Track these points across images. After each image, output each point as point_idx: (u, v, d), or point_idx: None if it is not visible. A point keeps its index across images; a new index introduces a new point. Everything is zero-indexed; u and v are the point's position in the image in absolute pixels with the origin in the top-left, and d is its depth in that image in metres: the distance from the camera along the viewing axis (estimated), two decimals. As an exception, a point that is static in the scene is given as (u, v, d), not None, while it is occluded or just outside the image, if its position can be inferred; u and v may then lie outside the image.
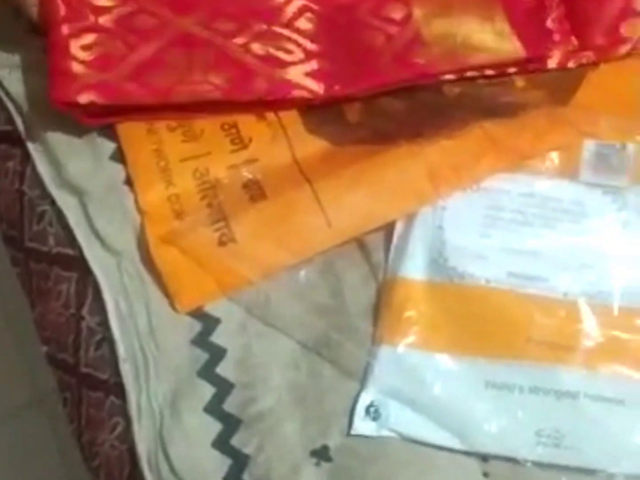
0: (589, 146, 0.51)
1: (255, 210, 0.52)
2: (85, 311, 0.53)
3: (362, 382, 0.48)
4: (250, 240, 0.51)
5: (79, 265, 0.53)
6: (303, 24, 0.56)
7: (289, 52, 0.56)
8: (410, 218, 0.51)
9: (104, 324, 0.51)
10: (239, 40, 0.55)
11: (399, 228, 0.51)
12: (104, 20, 0.55)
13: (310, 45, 0.56)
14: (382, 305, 0.50)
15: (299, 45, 0.56)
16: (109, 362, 0.51)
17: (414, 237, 0.51)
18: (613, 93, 0.54)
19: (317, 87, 0.54)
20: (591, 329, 0.47)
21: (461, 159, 0.51)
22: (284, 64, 0.55)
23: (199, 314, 0.51)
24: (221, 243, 0.51)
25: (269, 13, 0.56)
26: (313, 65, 0.55)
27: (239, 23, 0.56)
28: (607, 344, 0.47)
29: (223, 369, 0.49)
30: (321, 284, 0.51)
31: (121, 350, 0.50)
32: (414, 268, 0.50)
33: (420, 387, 0.48)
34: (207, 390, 0.49)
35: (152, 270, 0.51)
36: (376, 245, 0.52)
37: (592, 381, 0.47)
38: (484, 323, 0.49)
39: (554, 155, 0.51)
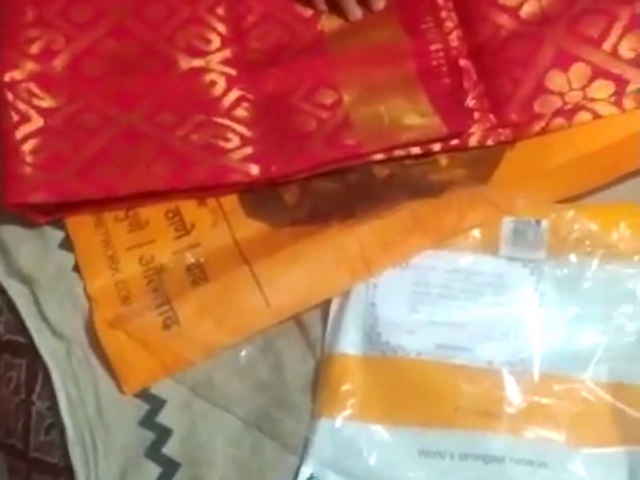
0: (507, 223, 0.54)
1: (197, 293, 0.54)
2: (35, 397, 0.54)
3: (302, 456, 0.51)
4: (193, 322, 0.53)
5: (29, 351, 0.55)
6: (240, 112, 0.60)
7: (227, 139, 0.59)
8: (344, 296, 0.54)
9: (54, 409, 0.53)
10: (180, 131, 0.59)
11: (334, 305, 0.54)
12: (52, 121, 0.58)
13: (247, 132, 0.59)
14: (320, 380, 0.53)
15: (236, 132, 0.59)
16: (58, 446, 0.53)
17: (348, 314, 0.54)
18: (530, 169, 0.57)
19: (254, 170, 0.57)
20: (514, 396, 0.50)
21: (390, 238, 0.55)
22: (223, 151, 0.58)
23: (145, 396, 0.53)
24: (165, 326, 0.53)
25: (208, 104, 0.60)
26: (249, 150, 0.58)
27: (180, 115, 0.59)
28: (529, 409, 0.50)
29: (169, 449, 0.52)
30: (261, 361, 0.53)
31: (70, 434, 0.52)
32: (349, 343, 0.53)
33: (357, 458, 0.50)
34: (154, 471, 0.51)
35: (100, 355, 0.54)
36: (313, 323, 0.54)
37: (517, 445, 0.49)
38: (416, 394, 0.51)
39: (476, 232, 0.54)
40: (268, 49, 0.61)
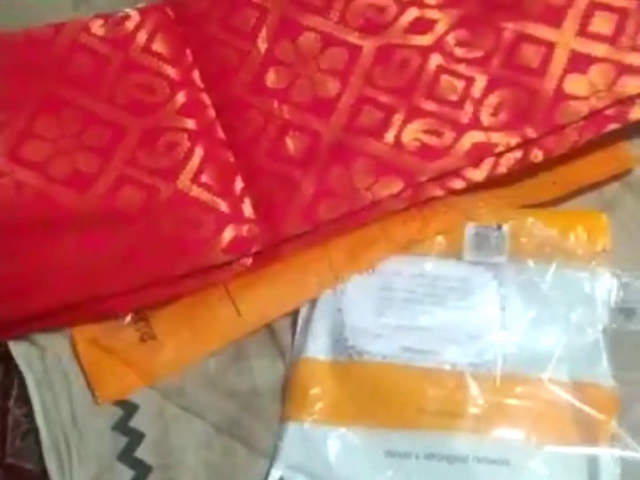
0: (469, 228, 0.56)
1: (172, 308, 0.55)
2: (11, 403, 0.55)
3: (272, 459, 0.52)
4: (169, 336, 0.55)
5: (5, 358, 0.56)
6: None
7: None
8: (313, 302, 0.56)
9: (30, 415, 0.54)
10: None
11: (303, 312, 0.56)
12: None
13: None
14: (289, 384, 0.54)
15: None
16: (34, 451, 0.54)
17: (317, 320, 0.55)
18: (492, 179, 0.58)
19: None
20: (477, 397, 0.51)
21: (357, 246, 0.56)
22: None
23: (119, 401, 0.54)
24: (142, 340, 0.55)
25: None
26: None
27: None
28: (491, 409, 0.51)
29: (141, 453, 0.53)
30: (232, 368, 0.55)
31: (45, 440, 0.53)
32: (317, 349, 0.54)
33: (324, 461, 0.51)
34: (126, 474, 0.52)
35: (74, 362, 0.55)
36: (283, 328, 0.56)
37: (480, 445, 0.51)
38: (382, 397, 0.53)
39: (440, 238, 0.56)
40: None
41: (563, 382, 0.52)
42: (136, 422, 0.53)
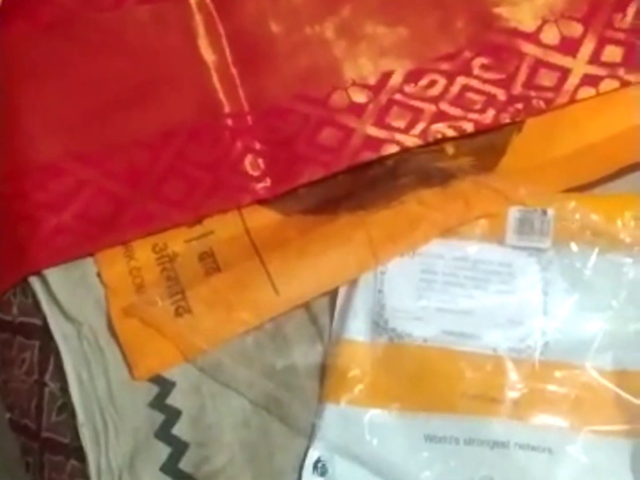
0: (513, 212, 0.55)
1: (209, 283, 0.55)
2: (47, 377, 0.55)
3: (310, 439, 0.51)
4: (205, 311, 0.54)
5: (42, 333, 0.56)
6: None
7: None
8: (352, 283, 0.55)
9: (66, 389, 0.54)
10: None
11: (342, 293, 0.55)
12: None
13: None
14: (328, 365, 0.53)
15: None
16: (69, 426, 0.53)
17: (356, 301, 0.54)
18: (535, 158, 0.58)
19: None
20: (516, 382, 0.51)
21: (398, 228, 0.55)
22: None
23: (155, 378, 0.54)
24: (178, 314, 0.54)
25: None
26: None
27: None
28: (531, 395, 0.51)
29: (179, 430, 0.52)
30: (270, 346, 0.54)
31: (81, 415, 0.53)
32: (357, 330, 0.54)
33: (363, 442, 0.51)
34: (164, 451, 0.52)
35: (111, 339, 0.55)
36: (322, 309, 0.55)
37: (520, 430, 0.50)
38: (422, 380, 0.52)
39: (483, 221, 0.55)
40: None
41: (606, 370, 0.51)
42: (173, 399, 0.53)
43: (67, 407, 0.54)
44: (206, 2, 0.64)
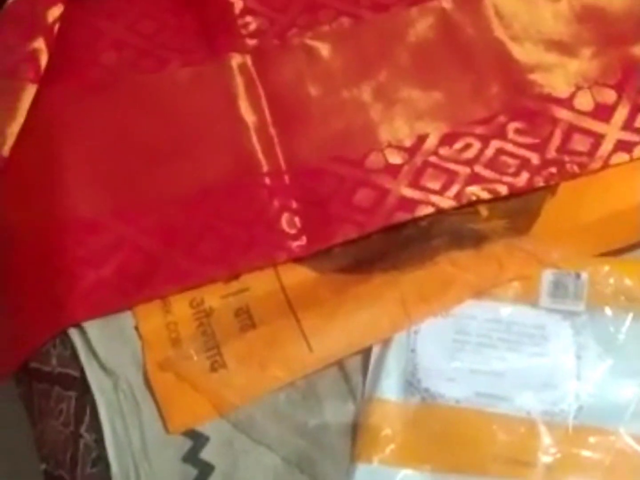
0: (547, 274, 0.56)
1: (244, 339, 0.56)
2: (83, 429, 0.56)
3: (341, 497, 0.52)
4: (239, 367, 0.55)
5: (79, 385, 0.57)
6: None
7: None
8: (385, 342, 0.56)
9: (101, 442, 0.55)
10: None
11: (375, 351, 0.56)
12: None
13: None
14: (360, 424, 0.54)
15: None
16: (104, 478, 0.54)
17: (389, 360, 0.55)
18: (568, 222, 0.59)
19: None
20: (549, 446, 0.51)
21: (431, 289, 0.56)
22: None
23: (189, 432, 0.54)
24: (213, 369, 0.55)
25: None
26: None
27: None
28: (563, 459, 0.51)
29: (211, 485, 0.53)
30: (302, 404, 0.55)
31: (115, 467, 0.53)
32: (389, 389, 0.54)
33: (394, 502, 0.51)
34: (197, 504, 0.52)
35: (146, 391, 0.55)
36: (355, 368, 0.56)
37: (553, 495, 0.50)
38: (454, 441, 0.52)
39: (516, 284, 0.56)
40: None
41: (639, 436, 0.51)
42: (206, 453, 0.54)
43: (101, 460, 0.55)
44: (247, 65, 0.67)
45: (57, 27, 0.66)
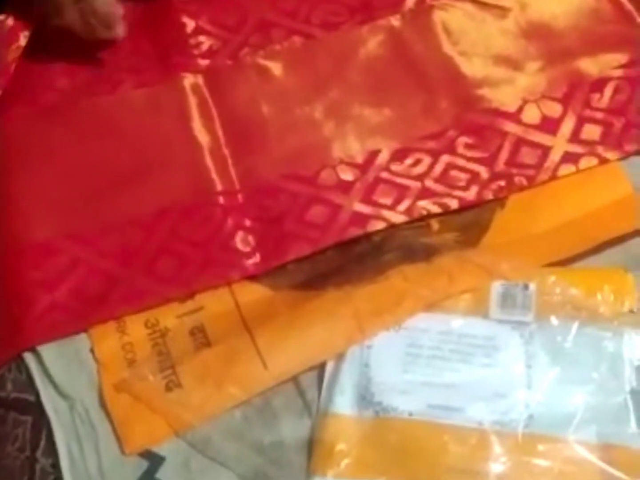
0: (496, 287, 0.57)
1: (199, 358, 0.56)
2: (39, 453, 0.56)
3: (297, 514, 0.52)
4: (195, 386, 0.55)
5: (35, 409, 0.57)
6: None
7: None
8: (339, 357, 0.56)
9: (57, 465, 0.55)
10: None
11: (329, 367, 0.56)
12: None
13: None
14: (314, 439, 0.54)
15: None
16: (61, 502, 0.54)
17: (343, 375, 0.55)
18: (517, 233, 0.60)
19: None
20: (500, 455, 0.51)
21: (384, 303, 0.57)
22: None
23: (144, 453, 0.54)
24: (168, 389, 0.55)
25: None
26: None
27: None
28: (515, 468, 0.51)
29: (167, 505, 0.53)
30: (258, 421, 0.55)
31: (71, 491, 0.53)
32: (344, 404, 0.55)
33: (349, 516, 0.51)
34: (153, 526, 0.52)
35: (102, 414, 0.56)
36: (310, 383, 0.56)
37: (504, 504, 0.51)
38: (408, 454, 0.53)
39: (467, 296, 0.57)
40: None
41: (590, 443, 0.52)
42: (162, 474, 0.54)
43: (58, 484, 0.55)
44: (200, 85, 0.67)
45: (14, 66, 0.66)
